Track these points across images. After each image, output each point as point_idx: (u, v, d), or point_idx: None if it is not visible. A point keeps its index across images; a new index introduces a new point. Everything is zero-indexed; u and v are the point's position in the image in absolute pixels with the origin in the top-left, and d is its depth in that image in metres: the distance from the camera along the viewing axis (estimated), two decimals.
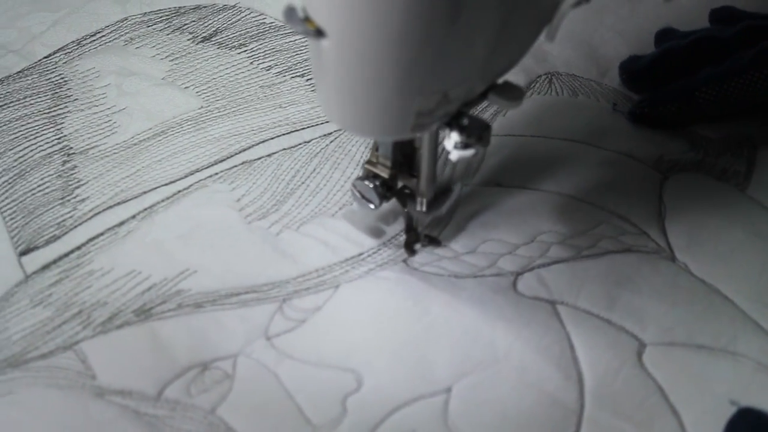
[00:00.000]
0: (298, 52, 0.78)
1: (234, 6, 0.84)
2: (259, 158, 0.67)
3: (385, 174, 0.58)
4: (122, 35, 0.80)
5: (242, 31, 0.81)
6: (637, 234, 0.61)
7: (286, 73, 0.76)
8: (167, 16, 0.83)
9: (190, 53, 0.78)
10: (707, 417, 0.52)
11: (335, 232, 0.61)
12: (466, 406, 0.52)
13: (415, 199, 0.59)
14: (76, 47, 0.79)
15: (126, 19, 0.82)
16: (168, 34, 0.80)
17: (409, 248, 0.62)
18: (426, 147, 0.55)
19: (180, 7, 0.84)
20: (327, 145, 0.68)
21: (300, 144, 0.68)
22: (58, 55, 0.78)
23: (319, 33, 0.43)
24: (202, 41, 0.80)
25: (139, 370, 0.54)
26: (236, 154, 0.68)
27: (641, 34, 0.79)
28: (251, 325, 0.56)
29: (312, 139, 0.69)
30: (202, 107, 0.72)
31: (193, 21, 0.82)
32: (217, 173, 0.66)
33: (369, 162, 0.58)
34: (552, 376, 0.53)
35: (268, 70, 0.76)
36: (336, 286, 0.58)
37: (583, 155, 0.68)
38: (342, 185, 0.65)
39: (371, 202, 0.59)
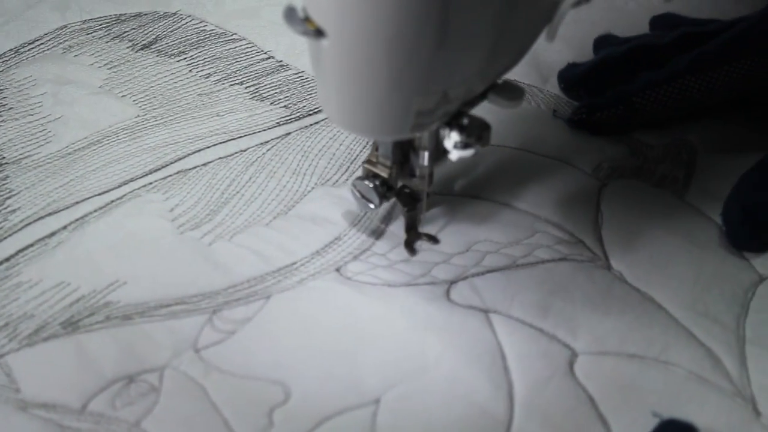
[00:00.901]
0: (238, 60, 0.78)
1: (175, 13, 0.83)
2: (195, 167, 0.66)
3: (385, 174, 0.58)
4: (61, 43, 0.79)
5: (182, 39, 0.80)
6: (573, 242, 0.61)
7: (225, 81, 0.75)
8: (107, 23, 0.82)
9: (129, 61, 0.77)
10: (636, 427, 0.52)
11: (268, 242, 0.60)
12: (394, 418, 0.52)
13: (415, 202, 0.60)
14: (13, 55, 0.78)
15: (65, 26, 0.82)
16: (107, 42, 0.80)
17: (410, 247, 0.62)
18: (426, 147, 0.55)
19: (121, 15, 0.83)
20: (264, 154, 0.67)
21: (236, 153, 0.68)
22: None
23: (319, 33, 0.43)
24: (142, 49, 0.79)
25: (64, 383, 0.53)
26: (171, 163, 0.67)
27: (584, 40, 0.79)
28: (180, 337, 0.55)
29: (248, 148, 0.68)
30: (138, 116, 0.71)
31: (134, 28, 0.82)
32: (151, 183, 0.65)
33: (369, 162, 0.58)
34: (482, 387, 0.52)
35: (207, 77, 0.75)
36: (267, 297, 0.57)
37: (521, 162, 0.67)
38: (277, 194, 0.64)
39: (371, 201, 0.59)
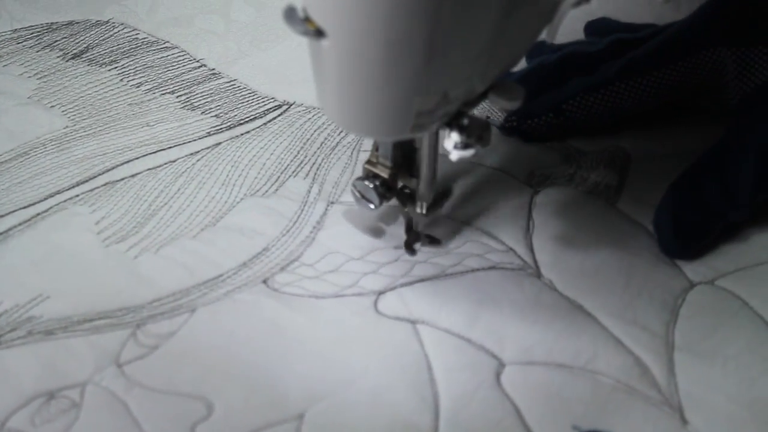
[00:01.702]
0: (170, 69, 0.77)
1: (107, 22, 0.83)
2: (123, 179, 0.66)
3: (385, 174, 0.58)
4: None
5: (114, 48, 0.80)
6: (504, 251, 0.60)
7: (156, 90, 0.74)
8: (38, 32, 0.81)
9: (59, 71, 0.76)
10: None
11: (195, 254, 0.60)
12: None
13: (415, 201, 0.59)
14: None
15: None
16: (38, 51, 0.79)
17: (410, 248, 0.61)
18: (426, 147, 0.55)
19: (52, 23, 0.82)
20: (193, 165, 0.67)
21: (166, 163, 0.67)
22: None
23: (319, 33, 0.43)
24: (73, 58, 0.78)
25: None
26: (99, 175, 0.66)
27: None
28: (102, 352, 0.55)
29: (178, 159, 0.67)
30: (67, 126, 0.70)
31: (65, 37, 0.81)
32: (78, 195, 0.65)
33: (369, 162, 0.58)
34: (406, 399, 0.52)
35: (138, 87, 0.75)
36: (192, 310, 0.56)
37: (453, 169, 0.67)
38: (206, 206, 0.63)
39: (371, 202, 0.59)
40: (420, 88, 0.46)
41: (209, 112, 0.72)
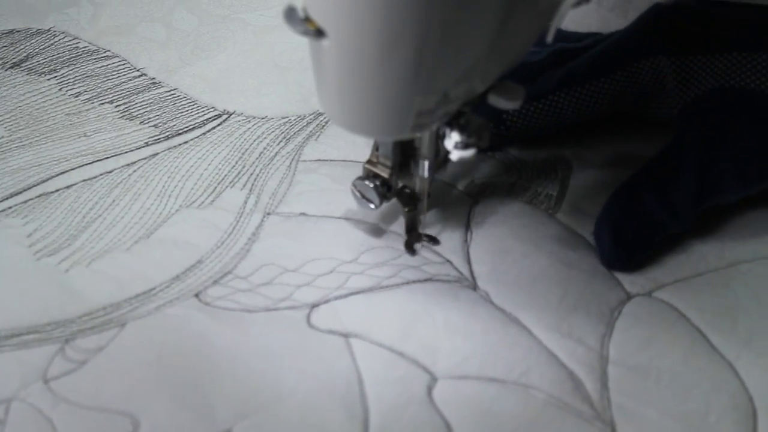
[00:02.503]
0: (110, 78, 0.76)
1: (48, 30, 0.82)
2: (57, 190, 0.65)
3: (385, 174, 0.58)
4: None
5: (54, 56, 0.79)
6: (441, 262, 0.60)
7: (95, 100, 0.74)
8: None
9: None
10: None
11: (127, 268, 0.59)
12: None
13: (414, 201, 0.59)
14: None
15: None
16: None
17: (410, 248, 0.61)
18: (426, 147, 0.54)
19: None
20: (129, 176, 0.66)
21: (101, 174, 0.66)
22: None
23: (319, 33, 0.43)
24: (12, 67, 0.77)
25: None
26: (34, 186, 0.65)
27: None
28: (28, 368, 0.54)
29: (114, 169, 0.67)
30: (3, 137, 0.69)
31: (5, 46, 0.80)
32: (11, 207, 0.64)
33: (369, 162, 0.58)
34: (335, 415, 0.51)
35: (76, 96, 0.74)
36: (122, 325, 0.56)
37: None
38: (141, 217, 0.63)
39: (371, 202, 0.59)
40: (420, 87, 0.46)
41: (148, 122, 0.71)
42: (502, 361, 0.55)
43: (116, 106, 0.73)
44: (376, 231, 0.63)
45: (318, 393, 0.53)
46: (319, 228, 0.63)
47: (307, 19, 0.43)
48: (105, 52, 0.80)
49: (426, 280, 0.60)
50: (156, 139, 0.70)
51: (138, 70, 0.78)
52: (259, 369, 0.54)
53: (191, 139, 0.70)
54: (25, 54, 0.79)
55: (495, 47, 0.46)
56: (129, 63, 0.79)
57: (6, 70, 0.77)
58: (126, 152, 0.69)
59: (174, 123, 0.72)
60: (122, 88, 0.76)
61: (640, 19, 0.67)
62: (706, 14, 0.65)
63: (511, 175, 0.68)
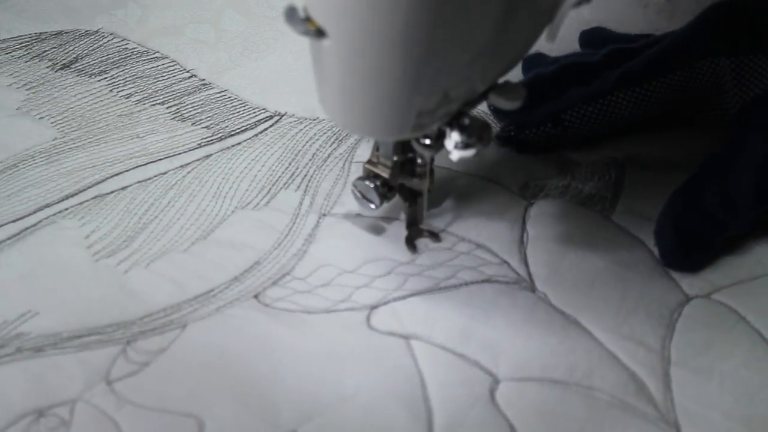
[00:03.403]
0: (160, 79, 0.76)
1: (97, 32, 0.82)
2: (113, 192, 0.65)
3: (385, 174, 0.58)
4: None
5: (103, 58, 0.79)
6: (498, 264, 0.60)
7: (146, 101, 0.74)
8: (27, 42, 0.80)
9: (48, 81, 0.76)
10: None
11: (186, 269, 0.59)
12: None
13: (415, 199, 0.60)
14: None
15: None
16: (27, 62, 0.78)
17: (411, 244, 0.61)
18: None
19: (41, 33, 0.81)
20: (183, 177, 0.66)
21: (156, 176, 0.66)
22: None
23: (319, 33, 0.43)
24: (62, 68, 0.77)
25: None
26: (89, 187, 0.66)
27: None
28: (91, 369, 0.54)
29: (168, 171, 0.67)
30: (56, 138, 0.69)
31: (54, 47, 0.80)
32: (67, 209, 0.64)
33: (369, 162, 0.58)
34: (400, 417, 0.51)
35: (127, 98, 0.74)
36: (183, 326, 0.56)
37: (446, 181, 0.66)
38: (197, 219, 0.63)
39: (372, 202, 0.59)
40: (421, 87, 0.46)
41: (200, 123, 0.71)
42: (564, 363, 0.54)
43: (167, 108, 0.73)
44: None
45: (381, 394, 0.52)
46: (373, 229, 0.63)
47: (308, 19, 0.43)
48: (154, 53, 0.80)
49: (484, 281, 0.59)
50: (209, 141, 0.70)
51: (188, 72, 0.78)
52: (321, 370, 0.54)
53: (244, 141, 0.70)
54: (74, 55, 0.79)
55: (496, 47, 0.46)
56: (178, 64, 0.79)
57: (56, 71, 0.77)
58: (179, 153, 0.69)
59: (226, 124, 0.72)
60: (173, 89, 0.76)
61: (699, 19, 0.67)
62: (764, 14, 0.64)
63: (565, 177, 0.68)
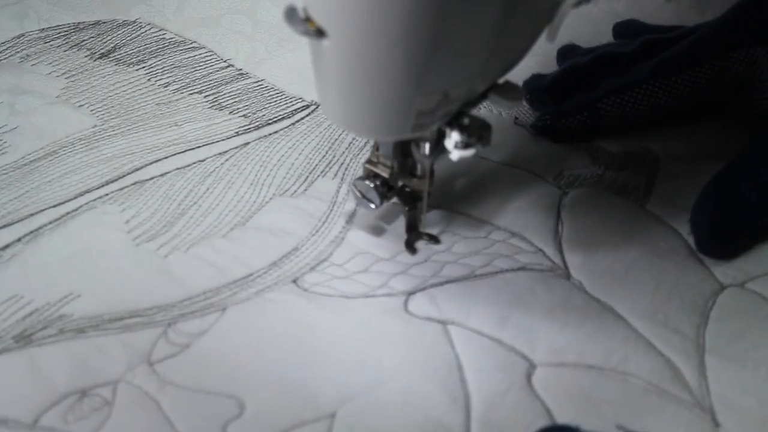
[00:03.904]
0: (197, 68, 0.77)
1: (134, 21, 0.83)
2: (152, 178, 0.66)
3: (385, 173, 0.58)
4: (18, 52, 0.78)
5: (141, 47, 0.80)
6: (533, 252, 0.60)
7: (184, 90, 0.74)
8: (65, 32, 0.81)
9: (87, 70, 0.77)
10: None
11: (225, 254, 0.60)
12: None
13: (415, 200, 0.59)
14: None
15: (23, 35, 0.81)
16: (65, 51, 0.79)
17: (410, 247, 0.62)
18: (426, 146, 0.55)
19: (79, 23, 0.82)
20: (222, 164, 0.67)
21: (194, 163, 0.67)
22: None
23: (319, 33, 0.43)
24: (100, 58, 0.78)
25: (15, 397, 0.52)
26: (128, 174, 0.66)
27: (546, 46, 0.78)
28: (133, 351, 0.55)
29: (207, 158, 0.67)
30: (96, 126, 0.70)
31: (92, 37, 0.81)
32: (107, 194, 0.65)
33: (369, 161, 0.58)
34: (438, 400, 0.52)
35: (165, 86, 0.75)
36: (223, 309, 0.56)
37: (481, 170, 0.67)
38: (235, 205, 0.63)
39: (372, 201, 0.59)
40: (421, 87, 0.46)
41: (237, 112, 0.72)
42: (600, 349, 0.55)
43: (205, 97, 0.74)
44: (469, 220, 0.64)
45: (419, 378, 0.53)
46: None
47: (308, 19, 0.43)
48: (191, 43, 0.81)
49: (519, 269, 0.60)
50: (246, 129, 0.71)
51: (225, 62, 0.79)
52: (360, 353, 0.55)
53: (281, 129, 0.71)
54: (112, 45, 0.80)
55: (495, 47, 0.46)
56: (215, 54, 0.80)
57: (94, 60, 0.78)
58: (217, 141, 0.69)
59: (263, 113, 0.73)
60: (210, 78, 0.77)
61: (735, 8, 0.67)
62: None
63: (599, 167, 0.68)
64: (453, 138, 0.51)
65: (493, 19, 0.44)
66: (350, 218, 0.63)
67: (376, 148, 0.58)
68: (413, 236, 0.62)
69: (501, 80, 0.52)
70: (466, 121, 0.51)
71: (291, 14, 0.43)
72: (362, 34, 0.43)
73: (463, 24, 0.43)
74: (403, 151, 0.57)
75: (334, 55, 0.45)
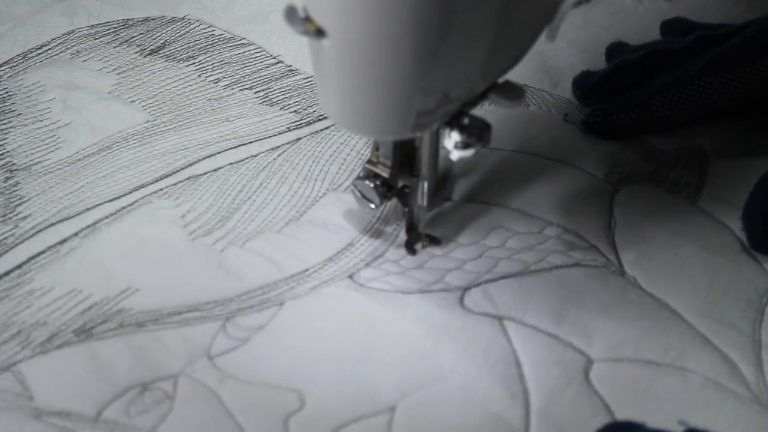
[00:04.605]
0: (247, 65, 0.77)
1: (183, 18, 0.83)
2: (205, 173, 0.66)
3: (385, 173, 0.58)
4: (68, 48, 0.79)
5: (191, 44, 0.80)
6: (586, 248, 0.61)
7: (235, 86, 0.75)
8: (115, 28, 0.82)
9: (137, 66, 0.77)
10: None
11: (281, 248, 0.60)
12: (410, 426, 0.52)
13: (416, 196, 0.59)
14: (21, 61, 0.77)
15: (73, 31, 0.81)
16: (115, 47, 0.79)
17: (410, 248, 0.62)
18: (426, 146, 0.55)
19: (128, 20, 0.83)
20: (274, 159, 0.67)
21: (247, 158, 0.67)
22: (2, 69, 0.77)
23: (319, 33, 0.43)
24: (150, 54, 0.78)
25: (77, 390, 0.53)
26: (182, 169, 0.67)
27: (594, 44, 0.79)
28: (193, 345, 0.55)
29: (259, 153, 0.68)
30: (148, 121, 0.71)
31: (141, 33, 0.81)
32: (161, 189, 0.65)
33: (369, 161, 0.58)
34: (497, 395, 0.52)
35: (216, 82, 0.75)
36: (280, 304, 0.57)
37: (533, 168, 0.67)
38: (289, 200, 0.64)
39: (372, 201, 0.59)
40: (421, 87, 0.46)
41: (288, 108, 0.73)
42: (657, 345, 0.55)
43: (255, 93, 0.75)
44: (522, 217, 0.64)
45: (478, 373, 0.53)
46: (464, 213, 0.63)
47: (308, 19, 0.44)
48: (240, 39, 0.81)
49: (573, 265, 0.60)
50: (297, 125, 0.71)
51: (274, 58, 0.79)
52: (418, 348, 0.55)
53: (332, 125, 0.71)
54: (161, 41, 0.81)
55: (495, 47, 0.46)
56: (265, 50, 0.80)
57: (144, 56, 0.79)
58: (269, 137, 0.70)
59: (314, 109, 0.73)
60: (260, 74, 0.77)
61: None
62: None
63: (650, 164, 0.69)
64: (453, 138, 0.50)
65: (492, 19, 0.44)
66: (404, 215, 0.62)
67: (376, 148, 0.58)
68: (413, 237, 0.62)
69: (501, 80, 0.52)
70: (466, 121, 0.50)
71: (291, 14, 0.44)
72: (362, 34, 0.43)
73: (463, 24, 0.43)
74: (403, 151, 0.58)
75: (334, 54, 0.45)
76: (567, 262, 0.60)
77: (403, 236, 0.63)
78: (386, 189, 0.59)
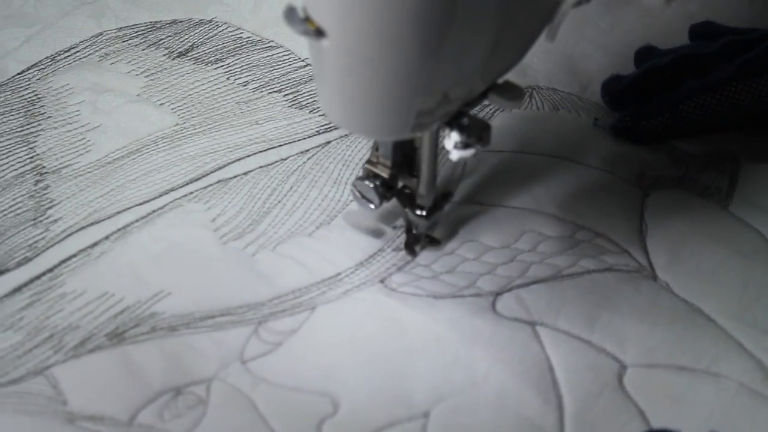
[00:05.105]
0: (276, 68, 0.77)
1: (210, 21, 0.83)
2: (235, 176, 0.66)
3: (385, 174, 0.58)
4: (97, 51, 0.79)
5: (219, 46, 0.80)
6: (618, 253, 0.60)
7: (264, 89, 0.75)
8: (143, 31, 0.82)
9: (165, 69, 0.77)
10: None
11: (312, 252, 0.60)
12: (444, 431, 0.50)
13: (415, 203, 0.59)
14: (49, 63, 0.77)
15: (101, 34, 0.81)
16: (143, 50, 0.79)
17: (410, 249, 0.61)
18: (426, 147, 0.55)
19: (156, 22, 0.83)
20: (304, 163, 0.67)
21: (277, 162, 0.67)
22: (31, 71, 0.76)
23: (319, 33, 0.43)
24: (178, 56, 0.79)
25: (111, 395, 0.53)
26: (212, 172, 0.67)
27: (622, 48, 0.78)
28: (226, 349, 0.55)
29: (289, 157, 0.68)
30: (177, 124, 0.71)
31: (169, 36, 0.81)
32: (192, 192, 0.65)
33: (369, 162, 0.58)
34: (531, 400, 0.52)
35: (245, 85, 0.75)
36: (313, 308, 0.57)
37: (563, 171, 0.67)
38: (319, 204, 0.64)
39: (371, 202, 0.59)
40: (420, 87, 0.46)
41: (317, 111, 0.73)
42: (690, 350, 0.55)
43: (284, 96, 0.75)
44: (553, 221, 0.64)
45: (511, 379, 0.53)
46: (494, 217, 0.63)
47: (307, 19, 0.43)
48: (269, 42, 0.81)
49: (605, 269, 0.60)
50: (326, 128, 0.71)
51: (303, 61, 0.79)
52: (451, 353, 0.55)
53: None
54: (189, 44, 0.81)
55: (495, 47, 0.46)
56: (293, 53, 0.80)
57: (173, 59, 0.79)
58: (299, 140, 0.70)
59: None
60: (289, 77, 0.77)
61: None
62: None
63: (680, 168, 0.68)
64: (452, 138, 0.51)
65: (492, 20, 0.44)
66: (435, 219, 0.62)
67: (375, 148, 0.58)
68: (412, 238, 0.62)
69: (501, 80, 0.52)
70: (465, 121, 0.51)
71: (290, 14, 0.44)
72: (362, 34, 0.43)
73: (463, 24, 0.43)
74: (403, 151, 0.58)
75: (334, 55, 0.45)
76: (599, 267, 0.60)
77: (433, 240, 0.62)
78: (386, 189, 0.59)
